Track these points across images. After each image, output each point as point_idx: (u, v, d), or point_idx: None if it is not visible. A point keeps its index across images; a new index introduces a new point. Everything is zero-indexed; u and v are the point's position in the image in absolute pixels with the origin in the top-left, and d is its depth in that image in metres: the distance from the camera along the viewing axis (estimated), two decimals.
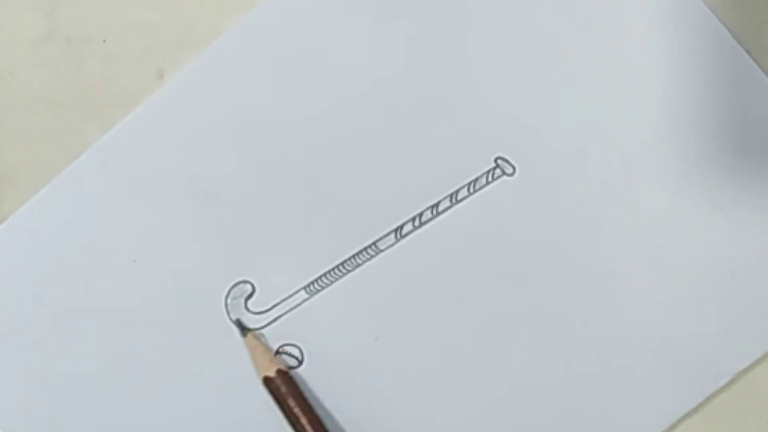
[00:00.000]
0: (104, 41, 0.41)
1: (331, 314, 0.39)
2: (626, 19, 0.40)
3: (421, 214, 0.40)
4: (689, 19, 0.39)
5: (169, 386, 0.39)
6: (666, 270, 0.39)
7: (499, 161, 0.40)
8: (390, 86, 0.40)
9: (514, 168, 0.40)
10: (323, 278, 0.39)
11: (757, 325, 0.39)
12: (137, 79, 0.40)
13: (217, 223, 0.40)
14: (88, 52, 0.41)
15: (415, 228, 0.40)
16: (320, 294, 0.39)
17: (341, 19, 0.40)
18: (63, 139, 0.40)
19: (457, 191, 0.40)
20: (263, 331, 0.39)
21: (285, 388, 0.38)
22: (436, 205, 0.40)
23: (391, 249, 0.39)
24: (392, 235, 0.40)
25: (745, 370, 0.39)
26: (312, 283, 0.39)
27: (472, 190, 0.40)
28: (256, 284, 0.40)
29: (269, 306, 0.40)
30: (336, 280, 0.39)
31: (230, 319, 0.39)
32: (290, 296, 0.39)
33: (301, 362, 0.39)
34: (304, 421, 0.38)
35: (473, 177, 0.40)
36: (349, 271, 0.39)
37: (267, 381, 0.38)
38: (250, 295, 0.40)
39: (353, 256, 0.39)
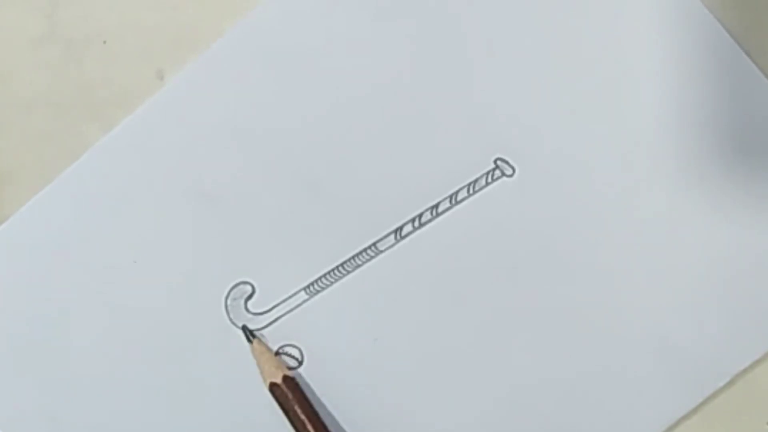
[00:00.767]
0: (104, 42, 0.41)
1: (331, 315, 0.39)
2: (626, 20, 0.40)
3: (420, 215, 0.40)
4: (688, 21, 0.40)
5: (169, 386, 0.39)
6: (666, 270, 0.39)
7: (499, 162, 0.40)
8: (390, 87, 0.40)
9: (513, 169, 0.40)
10: (323, 279, 0.39)
11: (757, 325, 0.39)
12: (137, 80, 0.40)
13: (217, 223, 0.40)
14: (89, 52, 0.41)
15: (414, 229, 0.40)
16: (320, 295, 0.39)
17: (341, 20, 0.40)
18: (63, 139, 0.40)
19: (457, 192, 0.40)
20: (263, 331, 0.39)
21: (291, 395, 0.38)
22: (436, 206, 0.40)
23: (391, 250, 0.39)
24: (392, 236, 0.40)
25: (745, 371, 0.39)
26: (312, 283, 0.39)
27: (471, 191, 0.40)
28: (256, 285, 0.40)
29: (269, 307, 0.39)
30: (336, 280, 0.39)
31: (230, 320, 0.39)
32: (290, 297, 0.39)
33: (301, 363, 0.39)
34: (310, 427, 0.38)
35: (473, 178, 0.40)
36: (349, 272, 0.39)
37: (273, 388, 0.38)
38: (250, 296, 0.39)
39: (353, 257, 0.39)
